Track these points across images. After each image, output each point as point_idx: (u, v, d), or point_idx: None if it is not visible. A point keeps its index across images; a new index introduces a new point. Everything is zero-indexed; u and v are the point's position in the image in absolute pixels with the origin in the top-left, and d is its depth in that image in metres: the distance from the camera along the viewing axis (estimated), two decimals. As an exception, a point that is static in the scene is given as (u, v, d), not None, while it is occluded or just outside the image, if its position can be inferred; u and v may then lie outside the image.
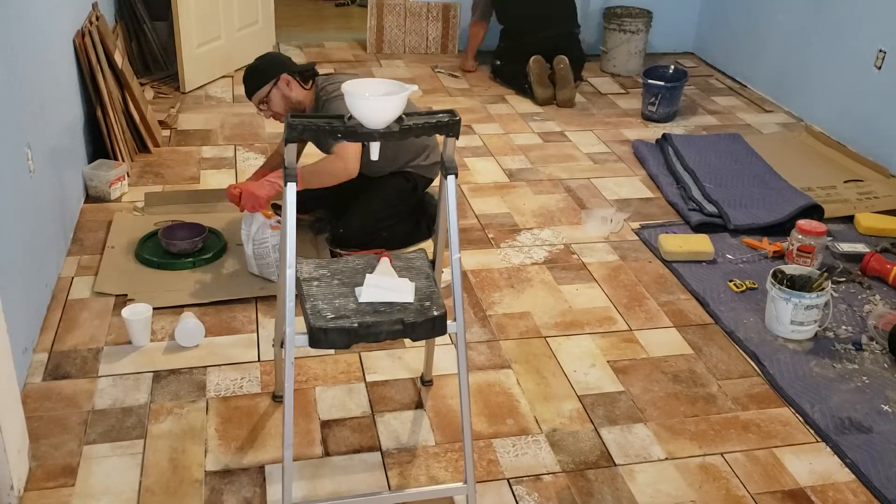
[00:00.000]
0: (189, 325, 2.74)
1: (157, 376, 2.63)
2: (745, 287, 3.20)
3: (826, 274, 2.98)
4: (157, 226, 3.35)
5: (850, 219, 3.73)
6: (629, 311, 3.07)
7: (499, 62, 5.34)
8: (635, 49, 5.50)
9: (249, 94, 3.21)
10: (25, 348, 2.60)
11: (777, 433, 2.52)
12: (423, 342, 2.67)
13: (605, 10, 5.61)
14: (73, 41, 3.63)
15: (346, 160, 3.01)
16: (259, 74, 3.18)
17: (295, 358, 2.02)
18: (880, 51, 4.25)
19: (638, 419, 2.55)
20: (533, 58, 5.02)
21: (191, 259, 3.15)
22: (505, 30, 5.36)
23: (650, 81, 4.76)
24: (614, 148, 4.45)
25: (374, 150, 2.01)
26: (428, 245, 3.31)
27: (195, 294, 3.01)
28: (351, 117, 1.94)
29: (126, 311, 2.74)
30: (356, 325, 1.99)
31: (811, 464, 2.41)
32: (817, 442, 2.49)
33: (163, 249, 3.18)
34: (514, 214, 3.70)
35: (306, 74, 3.20)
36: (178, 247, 3.15)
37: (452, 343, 2.82)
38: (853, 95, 4.46)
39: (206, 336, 2.80)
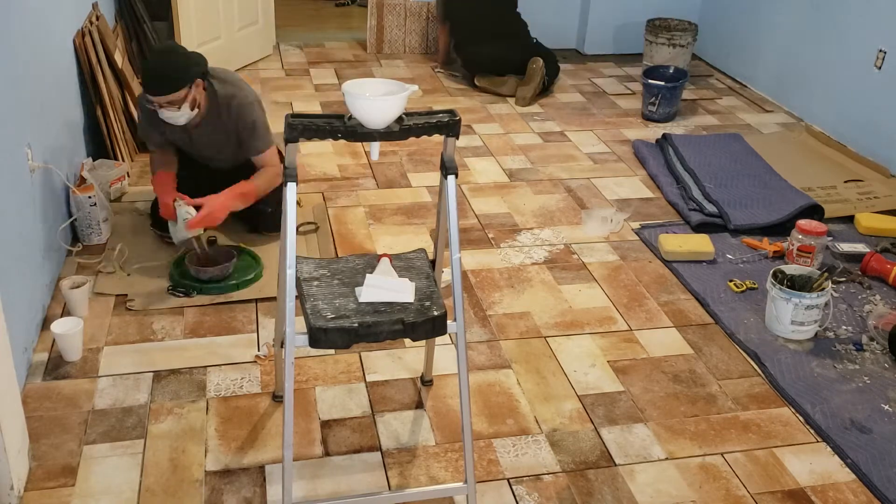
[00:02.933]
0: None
1: (157, 376, 2.63)
2: (745, 287, 3.20)
3: (826, 274, 2.98)
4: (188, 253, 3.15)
5: (850, 219, 3.73)
6: (629, 311, 3.06)
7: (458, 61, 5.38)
8: (683, 63, 5.36)
9: (166, 91, 2.96)
10: (25, 348, 2.60)
11: (777, 433, 2.52)
12: (423, 342, 2.67)
13: (647, 22, 5.46)
14: (73, 41, 3.63)
15: (278, 166, 3.26)
16: (182, 74, 2.97)
17: (295, 358, 2.02)
18: (880, 51, 4.25)
19: (638, 419, 2.55)
20: (476, 77, 5.13)
21: (234, 282, 3.05)
22: (452, 35, 5.36)
23: (650, 81, 4.76)
24: (614, 148, 4.44)
25: (375, 149, 2.01)
26: (428, 245, 3.31)
27: (195, 295, 3.01)
28: (351, 117, 1.94)
29: (56, 326, 2.66)
30: (356, 325, 1.99)
31: (811, 464, 2.41)
32: (817, 442, 2.49)
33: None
34: (514, 214, 3.70)
35: (206, 75, 3.14)
36: (208, 273, 3.04)
37: (452, 343, 2.82)
38: (853, 95, 4.46)
39: (206, 336, 2.80)
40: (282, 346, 2.08)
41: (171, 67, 2.99)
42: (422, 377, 2.66)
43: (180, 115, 3.04)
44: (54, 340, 2.68)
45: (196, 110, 3.08)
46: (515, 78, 5.08)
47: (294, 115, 1.95)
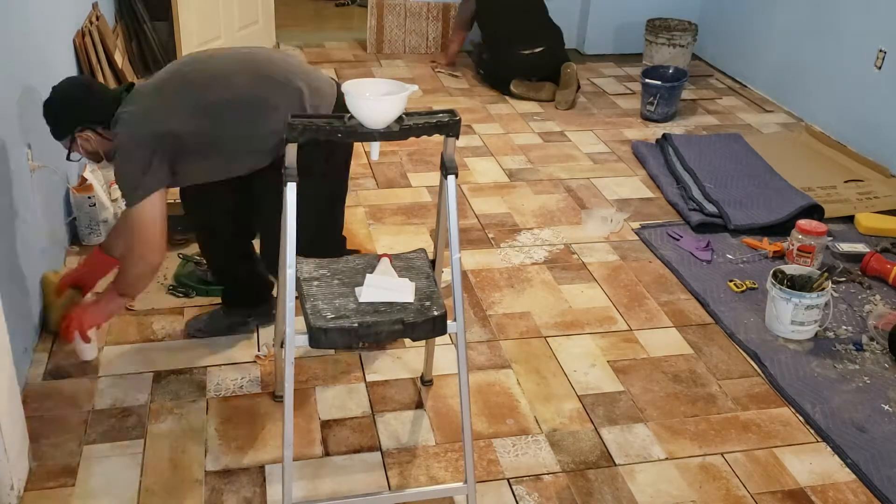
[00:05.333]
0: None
1: (157, 376, 2.63)
2: (745, 287, 3.20)
3: (826, 274, 2.98)
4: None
5: (850, 219, 3.73)
6: (629, 311, 3.06)
7: (483, 59, 5.30)
8: (683, 63, 5.37)
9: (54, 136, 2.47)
10: (25, 348, 2.60)
11: (777, 433, 2.52)
12: (423, 342, 2.67)
13: (647, 22, 5.47)
14: (73, 41, 3.63)
15: (146, 246, 2.36)
16: (55, 125, 2.42)
17: (295, 358, 2.02)
18: (880, 51, 4.25)
19: (638, 419, 2.55)
20: (513, 83, 5.04)
21: None
22: (486, 42, 5.31)
23: (649, 81, 4.75)
24: (614, 148, 4.44)
25: (375, 150, 2.01)
26: (428, 245, 3.31)
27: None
28: (351, 117, 1.94)
29: None
30: (356, 325, 1.99)
31: (811, 464, 2.41)
32: (817, 442, 2.49)
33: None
34: (514, 214, 3.70)
35: (109, 121, 2.36)
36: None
37: (452, 343, 2.82)
38: (853, 95, 4.46)
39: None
40: (282, 346, 2.08)
41: (45, 112, 2.44)
42: (422, 377, 2.66)
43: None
44: (54, 340, 2.68)
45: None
46: (550, 84, 5.05)
47: (294, 115, 1.95)
